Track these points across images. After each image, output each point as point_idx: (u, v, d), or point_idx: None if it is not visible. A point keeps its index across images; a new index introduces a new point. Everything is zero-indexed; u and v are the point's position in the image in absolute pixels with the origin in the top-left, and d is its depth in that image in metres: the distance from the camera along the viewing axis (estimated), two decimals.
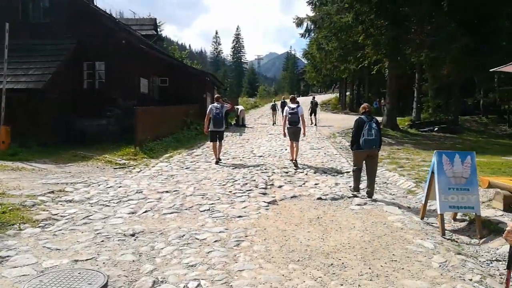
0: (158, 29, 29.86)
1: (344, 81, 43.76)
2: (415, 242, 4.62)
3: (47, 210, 6.00)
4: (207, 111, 10.62)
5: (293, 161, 10.24)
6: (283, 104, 24.44)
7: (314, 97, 27.21)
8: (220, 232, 5.02)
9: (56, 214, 5.81)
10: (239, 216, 5.73)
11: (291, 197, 7.02)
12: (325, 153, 12.29)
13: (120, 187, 7.69)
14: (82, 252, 4.36)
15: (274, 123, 23.61)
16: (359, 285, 3.54)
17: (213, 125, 10.42)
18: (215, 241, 4.70)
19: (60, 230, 5.13)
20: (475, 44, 16.66)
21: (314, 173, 9.29)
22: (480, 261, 4.18)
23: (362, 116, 6.89)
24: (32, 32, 15.31)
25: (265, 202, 6.58)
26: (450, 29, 15.83)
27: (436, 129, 20.33)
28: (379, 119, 23.99)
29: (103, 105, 15.41)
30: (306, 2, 22.27)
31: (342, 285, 3.56)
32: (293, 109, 10.20)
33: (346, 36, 19.60)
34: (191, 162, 10.82)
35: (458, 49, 16.74)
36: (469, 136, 20.15)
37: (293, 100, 10.66)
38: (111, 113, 15.30)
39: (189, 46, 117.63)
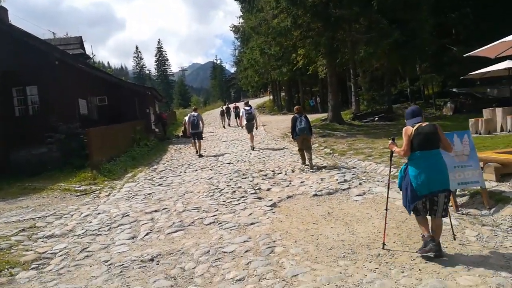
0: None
1: (277, 84, 44.88)
2: None
3: (31, 250, 5.25)
4: (186, 119, 15.13)
5: (252, 147, 14.00)
6: (228, 110, 25.96)
7: (248, 102, 30.32)
8: (244, 241, 4.78)
9: (45, 252, 5.12)
10: (252, 224, 5.51)
11: (287, 198, 6.94)
12: (290, 153, 12.38)
13: (99, 213, 7.00)
14: (107, 286, 3.86)
15: (224, 127, 26.22)
16: (419, 269, 3.57)
17: (191, 128, 13.79)
18: (246, 251, 4.46)
19: (63, 268, 4.52)
20: (403, 38, 18.03)
21: (292, 172, 9.30)
22: (503, 229, 4.46)
23: (296, 114, 9.79)
24: None
25: (266, 206, 6.42)
26: (383, 26, 16.95)
27: (376, 118, 21.60)
28: (322, 115, 25.10)
29: (40, 132, 13.93)
30: (240, 10, 22.45)
31: (403, 272, 3.56)
32: (248, 110, 14.18)
33: (284, 40, 20.08)
34: (160, 178, 10.25)
35: (390, 44, 18.02)
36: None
37: (247, 104, 14.91)
38: (52, 139, 13.91)
39: (108, 63, 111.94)
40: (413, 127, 3.95)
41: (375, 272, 3.59)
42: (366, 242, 4.37)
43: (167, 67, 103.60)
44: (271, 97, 51.97)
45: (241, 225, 5.48)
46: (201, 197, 7.53)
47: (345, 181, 7.77)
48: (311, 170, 9.15)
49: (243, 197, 7.17)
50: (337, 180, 7.91)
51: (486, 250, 3.84)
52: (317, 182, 7.93)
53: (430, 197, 3.86)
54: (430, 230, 3.89)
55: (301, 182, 8.17)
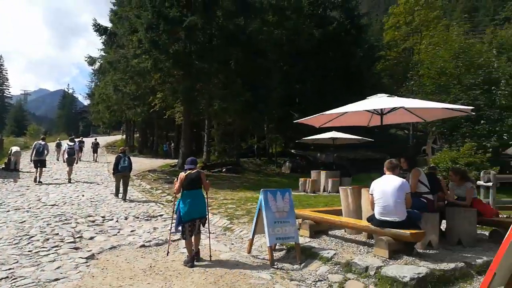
0: None
1: (131, 123, 43.10)
2: (254, 276, 4.91)
3: None
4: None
5: (69, 179, 15.11)
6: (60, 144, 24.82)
7: (96, 139, 30.68)
8: None
9: None
10: (56, 279, 4.72)
11: (110, 248, 6.29)
12: (129, 197, 11.61)
13: None
14: None
15: (57, 159, 23.69)
16: None
17: (36, 155, 14.23)
18: None
19: None
20: (254, 100, 19.66)
21: (126, 219, 8.64)
22: (308, 283, 4.80)
23: (120, 154, 11.64)
24: None
25: (81, 258, 5.66)
26: (237, 86, 18.23)
27: (224, 170, 22.37)
28: (174, 161, 24.81)
29: None
30: (101, 42, 21.31)
31: None
32: (71, 146, 15.52)
33: (143, 80, 19.67)
34: None
35: (242, 103, 19.36)
36: (249, 175, 23.04)
37: (72, 140, 16.78)
38: None
39: None
40: (185, 173, 5.57)
41: None
42: None
43: (5, 88, 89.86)
44: (124, 136, 49.47)
45: (41, 282, 4.62)
46: (2, 245, 6.23)
47: (179, 231, 7.53)
48: (124, 200, 11.02)
49: (56, 246, 6.20)
50: (170, 230, 7.61)
51: None
52: (149, 232, 7.50)
53: (191, 222, 5.50)
54: (190, 248, 5.50)
55: (132, 230, 7.61)
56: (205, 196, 5.76)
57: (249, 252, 6.04)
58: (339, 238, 6.27)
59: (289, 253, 5.92)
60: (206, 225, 6.05)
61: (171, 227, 6.37)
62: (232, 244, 6.73)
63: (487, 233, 6.54)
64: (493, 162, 14.40)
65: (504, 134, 16.60)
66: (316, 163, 23.33)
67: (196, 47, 18.90)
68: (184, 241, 5.64)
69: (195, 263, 5.40)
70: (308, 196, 12.49)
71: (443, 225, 6.22)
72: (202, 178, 5.61)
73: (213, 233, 7.52)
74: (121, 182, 11.45)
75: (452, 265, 4.77)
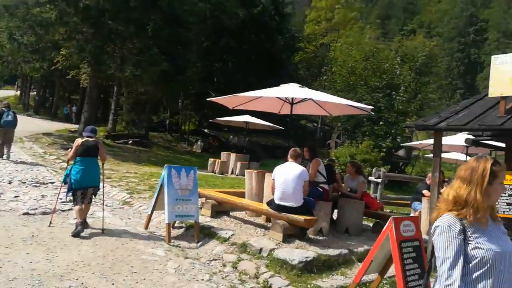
0: None
1: (28, 79, 38.59)
2: (148, 252, 4.77)
3: None
4: None
5: None
6: None
7: None
8: None
9: None
10: None
11: None
12: (17, 159, 10.45)
13: None
14: None
15: None
16: None
17: None
18: None
19: None
20: (172, 71, 18.93)
21: (9, 183, 7.76)
22: (202, 262, 4.82)
23: (4, 108, 10.50)
24: None
25: None
26: (153, 53, 17.33)
27: (130, 142, 21.28)
28: (74, 126, 22.94)
29: None
30: None
31: None
32: None
33: (45, 33, 17.60)
34: None
35: (157, 72, 18.50)
36: (158, 150, 22.32)
37: None
38: None
39: None
40: (82, 140, 5.41)
41: None
42: (61, 272, 3.84)
43: None
44: (18, 92, 44.21)
45: None
46: None
47: (71, 201, 6.97)
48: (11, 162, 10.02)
49: None
50: (61, 199, 7.01)
51: (179, 282, 4.00)
52: (36, 199, 6.87)
53: (84, 190, 5.34)
54: (81, 214, 5.23)
55: (16, 196, 6.87)
56: (100, 166, 5.65)
57: (146, 228, 5.85)
58: (239, 219, 6.40)
59: (188, 231, 5.87)
60: (101, 196, 5.85)
61: (58, 195, 6.01)
62: (129, 218, 6.46)
63: (371, 225, 7.22)
64: (385, 161, 16.02)
65: (398, 137, 18.50)
66: (228, 145, 23.46)
67: (110, 6, 17.46)
68: (74, 209, 5.43)
69: (83, 234, 5.08)
70: (216, 177, 12.52)
71: (335, 214, 6.73)
72: (100, 148, 5.53)
73: (110, 206, 7.14)
74: (4, 140, 10.33)
75: (337, 251, 5.18)
